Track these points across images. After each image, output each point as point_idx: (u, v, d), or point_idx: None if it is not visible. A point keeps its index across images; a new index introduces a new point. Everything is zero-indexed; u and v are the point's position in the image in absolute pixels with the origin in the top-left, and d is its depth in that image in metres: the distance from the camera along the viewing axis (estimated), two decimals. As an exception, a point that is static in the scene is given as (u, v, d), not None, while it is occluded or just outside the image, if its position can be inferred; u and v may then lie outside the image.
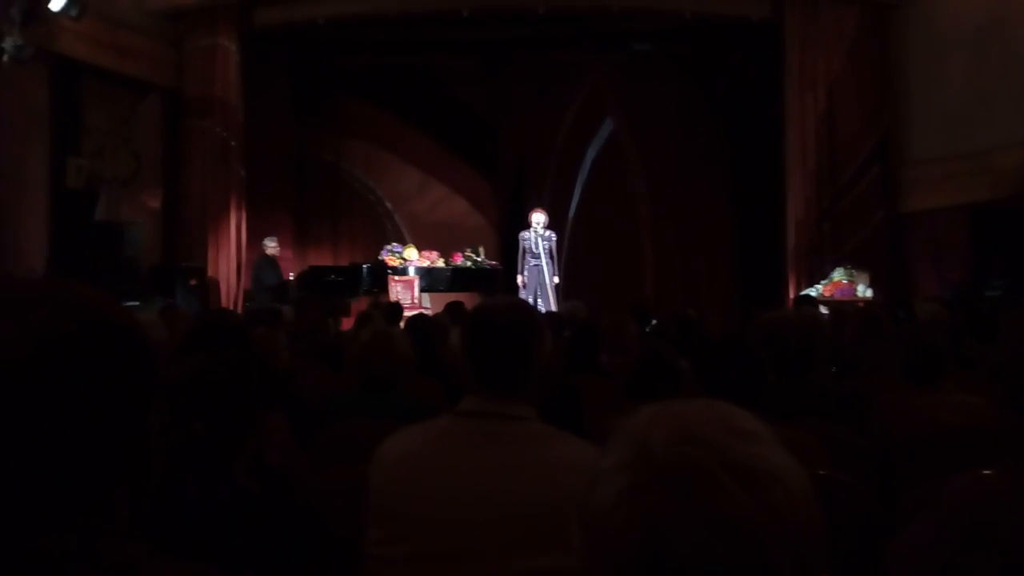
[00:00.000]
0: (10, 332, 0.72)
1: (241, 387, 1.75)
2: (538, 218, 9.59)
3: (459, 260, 10.13)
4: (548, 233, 9.61)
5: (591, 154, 11.71)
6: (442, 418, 1.68)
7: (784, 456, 0.70)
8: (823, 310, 6.81)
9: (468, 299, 7.74)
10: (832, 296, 8.15)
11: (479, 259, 10.20)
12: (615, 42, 11.14)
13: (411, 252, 10.02)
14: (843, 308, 5.85)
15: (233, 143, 9.54)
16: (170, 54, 9.49)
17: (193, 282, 8.95)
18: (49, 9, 7.29)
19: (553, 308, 8.87)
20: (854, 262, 8.61)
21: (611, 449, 0.72)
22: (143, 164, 9.16)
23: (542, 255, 9.49)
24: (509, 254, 10.53)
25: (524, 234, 9.64)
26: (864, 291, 8.30)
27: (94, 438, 0.74)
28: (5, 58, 7.05)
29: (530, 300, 9.21)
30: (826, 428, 2.15)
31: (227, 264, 9.59)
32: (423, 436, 1.64)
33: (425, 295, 9.85)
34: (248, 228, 9.80)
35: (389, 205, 11.89)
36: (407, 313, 6.82)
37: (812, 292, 8.21)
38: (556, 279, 9.60)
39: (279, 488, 2.09)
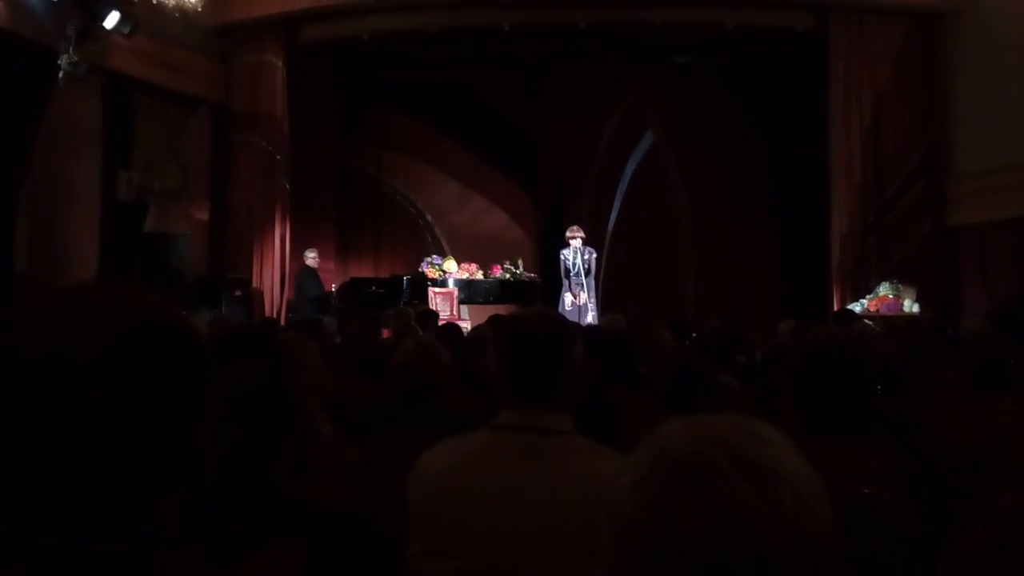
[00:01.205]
0: (81, 334, 0.73)
1: (277, 393, 1.78)
2: (576, 235, 9.52)
3: (498, 272, 10.16)
4: (588, 251, 9.55)
5: (631, 167, 11.68)
6: (480, 432, 1.68)
7: (798, 462, 0.73)
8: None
9: (508, 311, 7.75)
10: (878, 311, 8.00)
11: (518, 271, 10.22)
12: (656, 55, 11.13)
13: (451, 264, 10.08)
14: (895, 323, 5.72)
15: (278, 156, 9.71)
16: (218, 70, 9.72)
17: (238, 293, 9.09)
18: (103, 27, 7.51)
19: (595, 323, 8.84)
20: (900, 276, 8.45)
21: (634, 452, 0.76)
22: (191, 177, 9.37)
23: (582, 273, 9.46)
24: (548, 267, 10.53)
25: (564, 252, 9.58)
26: (911, 306, 8.14)
27: (151, 442, 0.75)
28: (61, 75, 7.28)
29: (576, 317, 9.21)
30: (876, 445, 2.11)
31: (271, 275, 9.75)
32: (462, 450, 1.64)
33: (464, 307, 9.89)
34: (292, 240, 9.95)
35: (429, 217, 11.99)
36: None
37: (857, 307, 8.07)
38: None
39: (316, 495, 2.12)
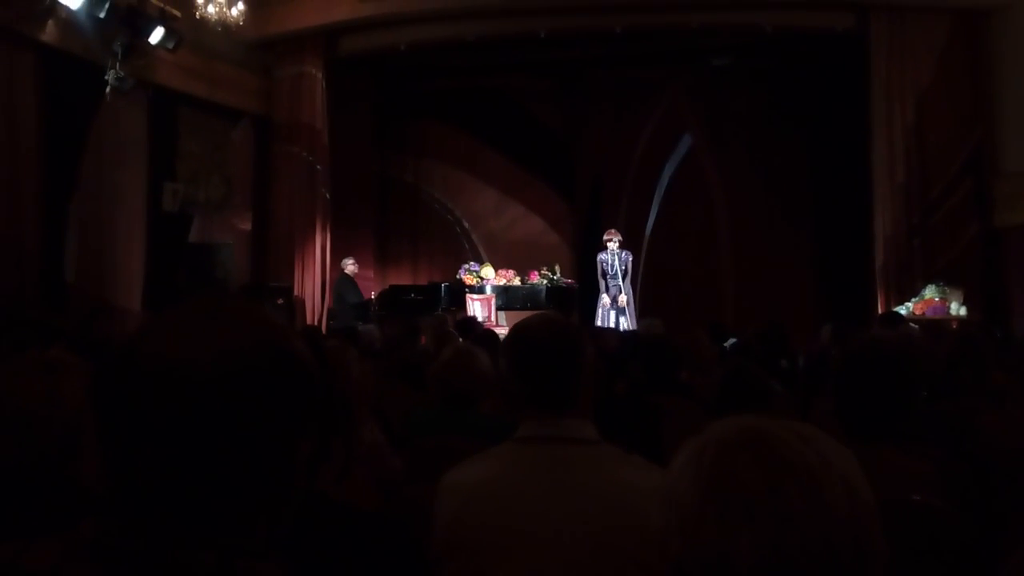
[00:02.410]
0: (200, 353, 0.75)
1: (325, 397, 1.80)
2: (613, 237, 9.57)
3: (536, 278, 10.17)
4: (625, 253, 9.59)
5: (669, 170, 11.61)
6: (505, 446, 1.64)
7: (844, 458, 0.75)
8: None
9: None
10: (924, 314, 7.85)
11: (556, 277, 10.22)
12: (693, 58, 11.05)
13: (488, 271, 10.11)
14: (942, 326, 5.59)
15: (319, 166, 9.85)
16: (260, 82, 9.89)
17: (280, 301, 9.23)
18: (148, 42, 7.70)
19: (634, 326, 8.81)
20: (947, 279, 8.27)
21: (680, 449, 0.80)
22: (234, 188, 9.54)
23: (619, 275, 9.48)
24: (586, 272, 10.52)
25: (602, 255, 9.64)
26: (958, 309, 7.96)
27: (255, 462, 0.77)
28: (108, 89, 7.47)
29: (612, 319, 9.21)
30: (925, 451, 2.07)
31: (312, 283, 9.88)
32: (490, 467, 1.62)
33: (502, 313, 9.91)
34: (332, 248, 10.08)
35: (467, 224, 12.04)
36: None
37: (902, 310, 7.92)
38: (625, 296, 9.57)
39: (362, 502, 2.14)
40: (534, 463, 1.57)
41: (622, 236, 9.67)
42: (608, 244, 9.54)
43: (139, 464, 0.75)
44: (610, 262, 9.54)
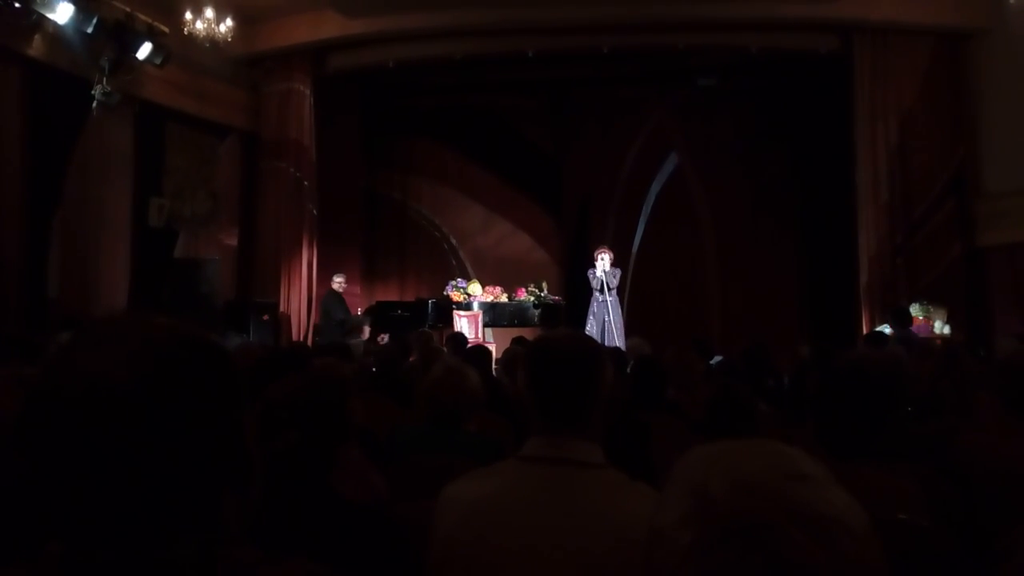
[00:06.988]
0: (113, 364, 0.76)
1: (337, 404, 1.85)
2: (602, 256, 9.48)
3: (523, 295, 10.18)
4: (614, 270, 9.53)
5: (655, 189, 11.69)
6: (509, 463, 1.63)
7: (841, 495, 0.71)
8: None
9: (531, 334, 7.75)
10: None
11: (543, 294, 10.23)
12: (680, 78, 11.16)
13: (475, 287, 10.11)
14: (928, 345, 5.59)
15: (306, 182, 9.84)
16: (248, 98, 9.89)
17: (266, 317, 9.17)
18: (135, 58, 7.68)
19: (620, 344, 8.80)
20: (930, 298, 8.34)
21: (670, 498, 0.72)
22: (221, 203, 9.51)
23: (605, 292, 9.43)
24: (572, 289, 10.51)
25: (591, 272, 9.55)
26: (941, 328, 8.02)
27: (196, 449, 0.78)
28: (95, 104, 7.45)
29: (596, 336, 9.16)
30: (910, 470, 2.08)
31: (298, 299, 9.84)
32: (492, 483, 1.60)
33: (489, 330, 9.91)
34: (319, 264, 10.05)
35: (454, 241, 12.05)
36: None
37: (886, 329, 7.96)
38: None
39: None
40: (536, 483, 1.55)
41: (610, 254, 9.62)
42: (597, 260, 9.42)
43: (90, 479, 0.75)
44: (599, 278, 9.43)
